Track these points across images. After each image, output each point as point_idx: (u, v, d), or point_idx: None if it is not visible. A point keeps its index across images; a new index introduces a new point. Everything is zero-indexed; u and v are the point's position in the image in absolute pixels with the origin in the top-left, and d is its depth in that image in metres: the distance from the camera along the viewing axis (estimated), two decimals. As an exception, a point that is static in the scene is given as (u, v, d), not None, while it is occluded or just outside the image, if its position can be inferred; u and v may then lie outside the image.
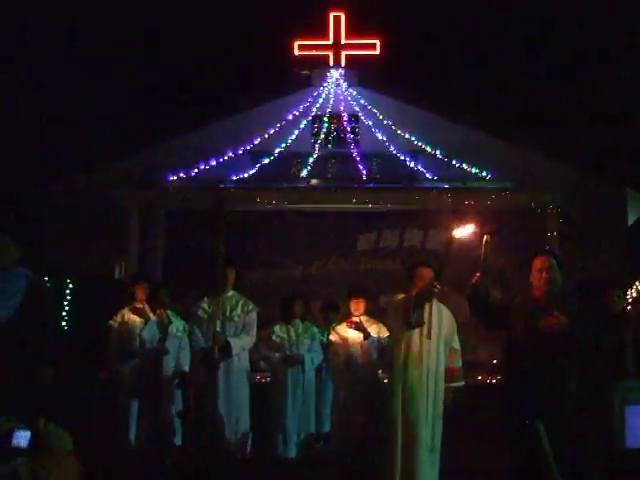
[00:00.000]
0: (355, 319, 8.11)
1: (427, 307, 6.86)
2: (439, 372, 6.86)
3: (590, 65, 22.56)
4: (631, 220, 16.93)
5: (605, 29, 21.90)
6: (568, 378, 5.97)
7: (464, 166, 14.94)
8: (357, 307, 8.24)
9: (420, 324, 6.69)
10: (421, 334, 6.75)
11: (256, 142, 15.86)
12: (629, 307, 12.21)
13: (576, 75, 22.56)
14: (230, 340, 7.67)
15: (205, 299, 7.97)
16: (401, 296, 6.79)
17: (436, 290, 6.52)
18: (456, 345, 7.18)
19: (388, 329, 7.19)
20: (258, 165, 15.30)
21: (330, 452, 8.35)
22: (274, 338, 8.83)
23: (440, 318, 6.96)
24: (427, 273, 6.93)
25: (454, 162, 15.04)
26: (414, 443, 6.59)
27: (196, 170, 14.92)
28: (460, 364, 7.20)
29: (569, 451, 5.84)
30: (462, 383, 7.19)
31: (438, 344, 6.88)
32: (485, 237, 6.29)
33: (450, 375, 7.01)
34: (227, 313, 7.83)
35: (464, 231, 6.64)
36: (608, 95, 21.39)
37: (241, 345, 7.81)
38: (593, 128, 21.02)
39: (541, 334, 5.90)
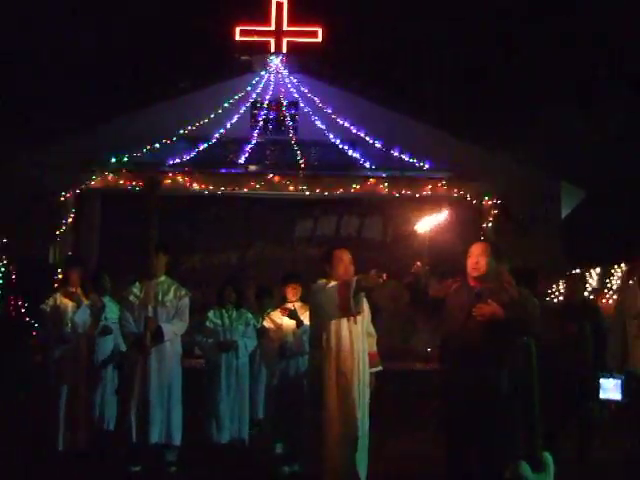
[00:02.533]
0: (289, 306, 8.04)
1: None
2: (365, 357, 6.86)
3: (528, 57, 22.82)
4: (565, 212, 17.20)
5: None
6: (501, 364, 6.04)
7: (402, 156, 15.02)
8: (292, 293, 8.17)
9: (359, 312, 6.65)
10: (349, 320, 6.72)
11: (194, 127, 15.74)
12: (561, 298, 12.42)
13: (514, 67, 22.79)
14: (162, 325, 7.59)
15: (137, 284, 7.87)
16: (333, 282, 6.73)
17: (381, 281, 6.45)
18: (372, 330, 7.17)
19: (312, 314, 7.06)
20: (196, 150, 15.20)
21: (263, 438, 8.33)
22: (208, 324, 8.83)
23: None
24: (346, 256, 6.90)
25: (393, 152, 15.12)
26: (352, 430, 6.59)
27: (132, 154, 14.76)
28: (376, 349, 7.22)
29: (496, 434, 5.97)
30: (380, 368, 7.21)
31: (362, 330, 6.87)
32: (424, 230, 6.27)
33: (371, 360, 7.00)
34: (159, 298, 7.73)
35: (403, 220, 6.63)
36: (545, 88, 21.67)
37: (173, 330, 7.72)
38: (530, 120, 21.27)
39: (475, 321, 5.98)
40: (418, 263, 6.17)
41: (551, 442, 7.07)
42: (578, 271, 12.02)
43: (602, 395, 2.55)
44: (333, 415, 6.57)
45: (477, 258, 6.21)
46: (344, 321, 6.68)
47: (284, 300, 8.18)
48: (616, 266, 12.75)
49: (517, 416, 6.13)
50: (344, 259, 6.89)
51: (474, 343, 5.97)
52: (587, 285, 12.09)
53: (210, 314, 8.89)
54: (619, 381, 2.45)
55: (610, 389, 2.51)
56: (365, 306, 6.96)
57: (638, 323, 6.97)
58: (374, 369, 7.08)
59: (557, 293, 12.70)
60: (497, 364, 6.03)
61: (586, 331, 7.70)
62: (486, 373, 5.97)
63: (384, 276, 6.34)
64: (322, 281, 6.80)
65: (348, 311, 6.50)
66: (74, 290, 8.76)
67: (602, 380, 2.51)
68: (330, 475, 6.52)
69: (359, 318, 6.76)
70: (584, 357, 7.58)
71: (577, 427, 7.97)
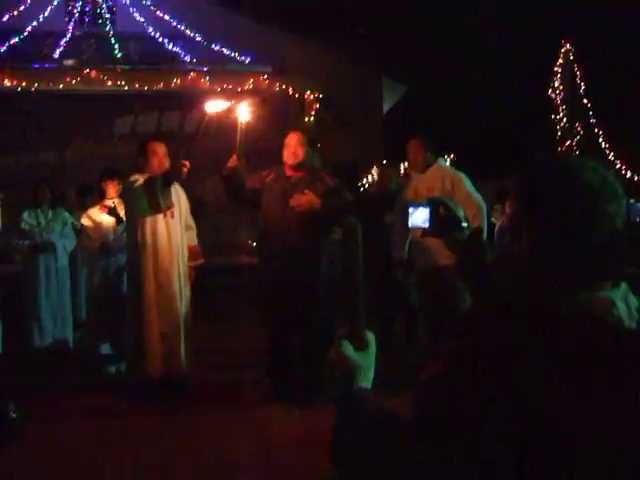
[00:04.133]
0: (109, 203, 7.81)
1: None
2: (184, 252, 6.84)
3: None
4: (387, 107, 17.51)
5: None
6: (318, 253, 6.24)
7: (224, 50, 14.78)
8: (113, 190, 7.89)
9: (170, 206, 6.54)
10: (165, 215, 6.63)
11: (4, 19, 14.85)
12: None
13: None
14: (-27, 228, 7.29)
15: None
16: (140, 177, 6.59)
17: (185, 170, 6.35)
18: (192, 223, 7.15)
19: (126, 211, 6.96)
20: (7, 44, 14.39)
21: (88, 339, 8.23)
22: (23, 225, 8.50)
23: (178, 197, 6.85)
24: (160, 149, 6.74)
25: (213, 45, 14.84)
26: (172, 324, 6.63)
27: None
28: (197, 242, 7.19)
29: (318, 320, 6.17)
30: (201, 261, 7.20)
31: (180, 223, 6.82)
32: (239, 123, 6.24)
33: (191, 253, 7.00)
34: (-34, 200, 7.41)
35: (219, 112, 6.56)
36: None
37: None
38: (351, 17, 21.34)
39: (292, 211, 6.11)
40: (234, 156, 6.15)
41: (379, 326, 7.41)
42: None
43: (410, 224, 2.69)
44: (153, 311, 6.59)
45: (294, 148, 6.29)
46: (160, 216, 6.59)
47: (103, 197, 7.96)
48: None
49: (337, 300, 6.30)
50: (158, 152, 6.72)
51: (293, 233, 6.12)
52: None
53: (25, 215, 8.55)
54: (427, 209, 2.58)
55: (418, 218, 2.66)
56: (183, 198, 6.91)
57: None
58: (194, 262, 7.07)
59: (372, 183, 13.02)
60: (315, 252, 6.21)
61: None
62: (305, 262, 6.15)
63: (187, 164, 6.28)
64: (134, 176, 6.63)
65: (157, 207, 6.42)
66: None
67: (411, 209, 2.65)
68: (154, 371, 6.56)
69: (176, 212, 6.70)
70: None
71: (401, 312, 8.36)
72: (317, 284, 6.22)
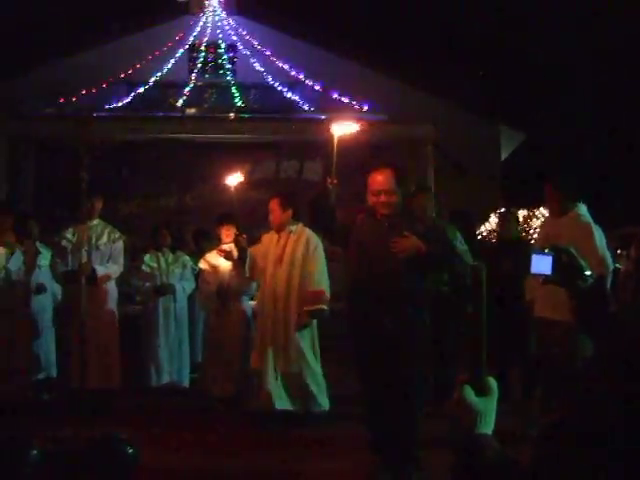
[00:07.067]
0: (226, 247, 7.96)
1: (277, 234, 7.22)
2: (290, 298, 7.00)
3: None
4: (504, 155, 17.38)
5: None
6: (420, 305, 5.50)
7: (341, 98, 14.97)
8: (228, 234, 8.04)
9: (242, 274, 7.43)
10: (273, 263, 6.99)
11: (131, 71, 15.48)
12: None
13: (451, 11, 22.74)
14: (96, 267, 7.52)
15: (69, 229, 7.77)
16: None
17: (243, 238, 7.27)
18: (313, 268, 7.10)
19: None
20: (133, 94, 14.97)
21: (202, 381, 8.34)
22: (144, 268, 8.72)
23: (297, 243, 7.06)
24: (272, 205, 7.25)
25: (331, 93, 15.06)
26: (267, 368, 6.95)
27: (68, 99, 14.47)
28: (321, 287, 7.07)
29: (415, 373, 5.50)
30: (320, 307, 7.04)
31: (290, 270, 7.01)
32: (333, 140, 5.45)
33: (308, 298, 7.03)
34: (93, 242, 7.65)
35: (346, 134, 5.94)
36: (483, 32, 21.68)
37: (107, 274, 7.66)
38: (470, 64, 21.32)
39: (392, 257, 5.31)
40: (329, 179, 5.45)
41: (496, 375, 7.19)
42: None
43: (532, 270, 2.62)
44: (256, 355, 7.17)
45: (385, 196, 5.38)
46: (268, 265, 7.10)
47: (220, 241, 8.14)
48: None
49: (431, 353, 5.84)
50: (270, 208, 7.24)
51: (391, 282, 5.35)
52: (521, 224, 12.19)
53: (146, 258, 8.78)
54: (550, 257, 2.51)
55: (541, 265, 2.58)
56: (305, 243, 7.13)
57: None
58: (308, 308, 7.04)
59: (490, 232, 12.87)
60: (417, 304, 5.45)
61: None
62: (405, 316, 5.38)
63: (243, 235, 7.29)
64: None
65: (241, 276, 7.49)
66: (7, 237, 8.53)
67: (534, 256, 2.55)
68: (255, 406, 7.03)
69: (287, 258, 7.07)
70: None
71: (521, 365, 8.12)
72: (415, 342, 5.43)
